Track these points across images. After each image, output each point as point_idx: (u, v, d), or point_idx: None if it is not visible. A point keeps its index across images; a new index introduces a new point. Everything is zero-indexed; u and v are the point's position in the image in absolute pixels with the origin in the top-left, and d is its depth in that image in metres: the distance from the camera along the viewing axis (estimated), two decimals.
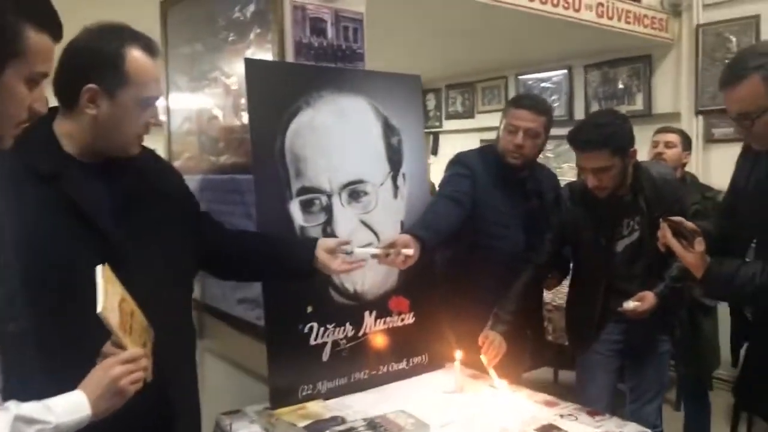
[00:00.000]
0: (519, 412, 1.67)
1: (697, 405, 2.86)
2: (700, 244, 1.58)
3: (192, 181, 2.30)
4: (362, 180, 1.88)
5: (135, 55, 1.25)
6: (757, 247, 1.69)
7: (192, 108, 2.39)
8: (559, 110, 5.03)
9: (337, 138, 1.84)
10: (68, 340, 1.15)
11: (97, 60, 1.22)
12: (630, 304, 2.11)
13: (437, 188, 2.34)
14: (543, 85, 5.15)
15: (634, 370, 2.36)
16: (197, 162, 2.34)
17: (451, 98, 6.13)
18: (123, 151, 1.30)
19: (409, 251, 1.67)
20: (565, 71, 4.94)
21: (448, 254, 2.30)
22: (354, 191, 1.86)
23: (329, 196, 1.81)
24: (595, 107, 4.69)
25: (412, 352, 1.99)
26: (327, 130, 1.82)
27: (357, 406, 1.69)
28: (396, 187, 1.98)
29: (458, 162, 2.26)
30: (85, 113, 1.23)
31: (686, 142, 2.95)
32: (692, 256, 1.60)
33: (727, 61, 3.80)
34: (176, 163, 2.51)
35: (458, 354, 1.87)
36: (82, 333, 1.11)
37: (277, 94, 1.73)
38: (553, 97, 5.07)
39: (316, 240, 1.62)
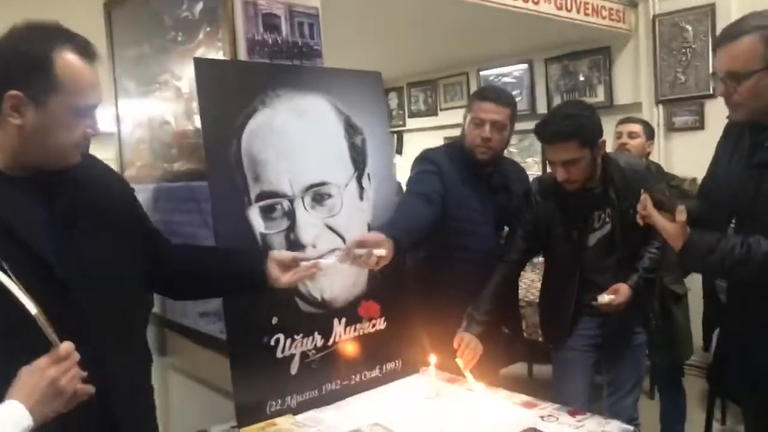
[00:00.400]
0: (499, 415, 1.61)
1: (673, 393, 2.86)
2: (681, 214, 1.55)
3: (146, 191, 2.20)
4: (326, 182, 1.80)
5: (67, 58, 1.12)
6: (736, 228, 1.67)
7: (143, 114, 2.28)
8: (521, 104, 5.01)
9: (298, 139, 1.75)
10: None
11: (23, 63, 1.09)
12: (605, 298, 2.08)
13: (404, 187, 2.27)
14: (504, 80, 5.13)
15: (610, 363, 2.33)
16: (150, 170, 2.23)
17: (413, 96, 6.08)
18: (58, 163, 1.17)
19: (382, 252, 1.58)
20: (526, 65, 4.94)
21: (420, 255, 2.24)
22: (318, 194, 1.78)
23: (291, 201, 1.72)
24: (557, 100, 4.70)
25: (385, 359, 1.91)
26: (286, 130, 1.73)
27: (330, 420, 1.61)
28: (361, 188, 1.90)
29: (425, 159, 2.20)
30: (9, 123, 1.11)
31: (649, 132, 2.96)
32: (673, 226, 1.57)
33: (684, 50, 3.93)
34: (128, 172, 2.40)
35: (432, 358, 1.80)
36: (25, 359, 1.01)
37: (230, 94, 1.64)
38: (515, 92, 5.03)
39: (266, 253, 1.50)
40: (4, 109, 1.10)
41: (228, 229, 1.62)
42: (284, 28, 1.77)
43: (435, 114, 5.90)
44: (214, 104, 1.61)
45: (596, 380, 2.36)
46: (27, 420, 0.95)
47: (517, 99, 5.03)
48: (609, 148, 3.14)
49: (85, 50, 1.15)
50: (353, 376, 1.83)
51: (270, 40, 1.74)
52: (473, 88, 5.42)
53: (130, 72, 2.32)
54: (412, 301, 1.99)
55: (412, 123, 6.21)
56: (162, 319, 2.24)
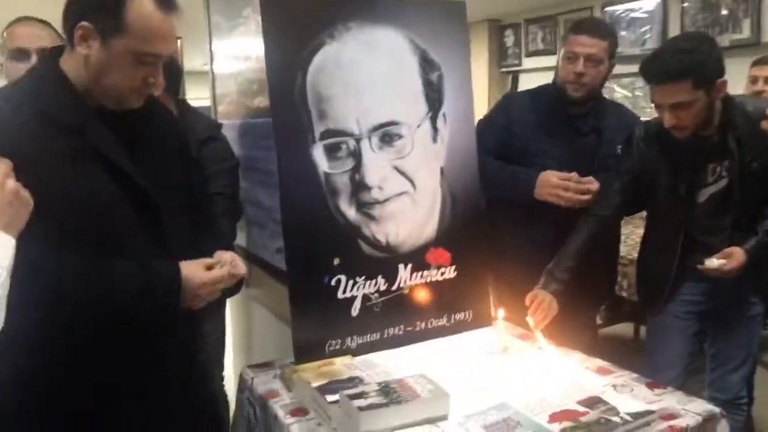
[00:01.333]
0: (566, 380, 1.49)
1: None
2: None
3: (232, 127, 2.24)
4: (396, 122, 1.71)
5: (142, 3, 1.13)
6: None
7: (230, 50, 2.30)
8: (651, 43, 4.53)
9: (367, 75, 1.67)
10: None
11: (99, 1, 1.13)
12: (714, 262, 1.81)
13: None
14: (633, 15, 4.63)
15: (717, 334, 2.08)
16: (236, 106, 2.26)
17: (531, 34, 5.69)
18: (116, 103, 1.20)
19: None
20: None
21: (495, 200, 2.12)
22: (386, 134, 1.70)
23: (358, 140, 1.66)
24: None
25: (455, 308, 1.84)
26: (355, 66, 1.65)
27: (385, 365, 1.58)
28: (435, 129, 1.79)
29: (498, 107, 2.14)
30: (78, 51, 1.15)
31: None
32: None
33: None
34: (220, 108, 2.46)
35: (500, 312, 1.70)
36: None
37: (297, 27, 1.58)
38: (644, 29, 4.57)
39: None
40: (75, 37, 1.14)
41: (292, 167, 1.60)
42: None
43: (554, 53, 5.48)
44: (279, 36, 1.56)
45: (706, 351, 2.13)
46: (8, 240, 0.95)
47: (647, 37, 4.57)
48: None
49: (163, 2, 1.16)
50: (418, 323, 1.78)
51: None
52: None
53: (220, 8, 2.33)
54: (486, 251, 1.88)
55: (528, 62, 5.85)
56: (247, 252, 2.31)
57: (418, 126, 1.75)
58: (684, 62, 1.67)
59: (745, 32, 3.88)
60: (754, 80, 2.54)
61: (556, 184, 1.91)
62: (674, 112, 1.73)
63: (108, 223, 1.16)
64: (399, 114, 1.71)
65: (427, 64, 1.76)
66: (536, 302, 1.77)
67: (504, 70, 6.18)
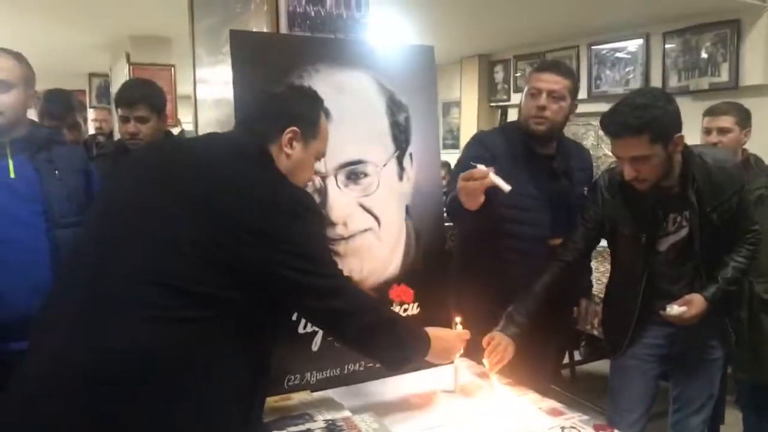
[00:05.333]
0: (515, 420, 1.51)
1: (756, 416, 2.55)
2: None
3: None
4: (362, 160, 1.76)
5: (323, 118, 1.43)
6: None
7: (211, 80, 2.36)
8: (634, 83, 4.65)
9: (335, 115, 1.69)
10: None
11: (305, 113, 1.37)
12: (675, 309, 1.84)
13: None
14: (617, 55, 4.75)
15: (679, 377, 2.09)
16: None
17: (519, 70, 5.80)
18: None
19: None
20: (641, 40, 4.52)
21: (465, 243, 2.15)
22: (352, 172, 1.74)
23: (323, 178, 1.70)
24: (673, 80, 4.27)
25: None
26: None
27: (338, 400, 1.59)
28: (402, 168, 1.84)
29: (478, 141, 2.09)
30: (284, 151, 1.34)
31: (744, 119, 2.49)
32: None
33: None
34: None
35: (457, 320, 1.72)
36: None
37: (265, 69, 1.63)
38: (627, 69, 4.68)
39: None
40: (284, 138, 1.33)
41: None
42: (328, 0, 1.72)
43: None
44: (248, 78, 1.61)
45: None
46: None
47: (630, 77, 4.67)
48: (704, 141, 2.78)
49: (327, 112, 1.47)
50: None
51: (312, 12, 1.71)
52: (583, 64, 5.09)
53: (202, 41, 2.40)
54: (449, 288, 1.91)
55: (517, 98, 5.93)
56: None
57: (385, 165, 1.80)
58: (641, 118, 1.70)
59: (724, 76, 3.98)
60: (707, 132, 2.51)
61: (461, 186, 1.80)
62: (634, 165, 1.77)
63: None
64: (365, 153, 1.76)
65: (394, 105, 1.81)
66: (492, 344, 1.79)
67: (493, 104, 6.28)
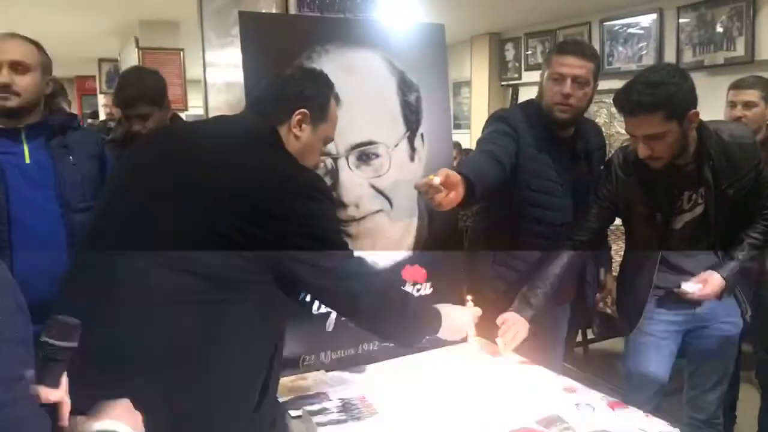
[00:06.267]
0: (529, 398, 1.52)
1: None
2: None
3: None
4: (373, 141, 1.75)
5: (332, 102, 1.42)
6: None
7: (221, 64, 2.35)
8: (647, 59, 4.58)
9: (345, 96, 1.68)
10: None
11: (315, 95, 1.37)
12: (690, 286, 1.83)
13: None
14: (630, 30, 4.67)
15: (694, 353, 2.09)
16: None
17: (530, 48, 5.73)
18: None
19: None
20: (655, 15, 4.43)
21: (483, 224, 2.13)
22: (363, 153, 1.74)
23: (335, 159, 1.70)
24: (688, 55, 4.20)
25: None
26: None
27: (351, 382, 1.61)
28: (413, 149, 1.83)
29: (500, 119, 1.99)
30: (293, 132, 1.34)
31: None
32: None
33: None
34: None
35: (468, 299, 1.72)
36: None
37: (275, 49, 1.62)
38: (640, 45, 4.61)
39: None
40: (293, 120, 1.34)
41: None
42: None
43: None
44: (257, 59, 1.60)
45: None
46: None
47: (643, 53, 4.60)
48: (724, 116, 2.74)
49: (337, 97, 1.45)
50: None
51: None
52: (595, 40, 5.00)
53: (212, 24, 2.39)
54: (461, 268, 1.91)
55: (528, 76, 5.89)
56: None
57: (396, 145, 1.79)
58: (655, 95, 1.67)
59: (740, 50, 3.90)
60: (732, 105, 2.48)
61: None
62: (648, 144, 1.74)
63: None
64: (376, 134, 1.75)
65: (405, 85, 1.80)
66: (506, 324, 1.78)
67: (504, 83, 6.22)
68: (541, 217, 2.01)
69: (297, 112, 1.32)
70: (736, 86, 2.48)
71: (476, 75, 6.34)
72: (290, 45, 1.64)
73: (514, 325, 1.78)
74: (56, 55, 1.91)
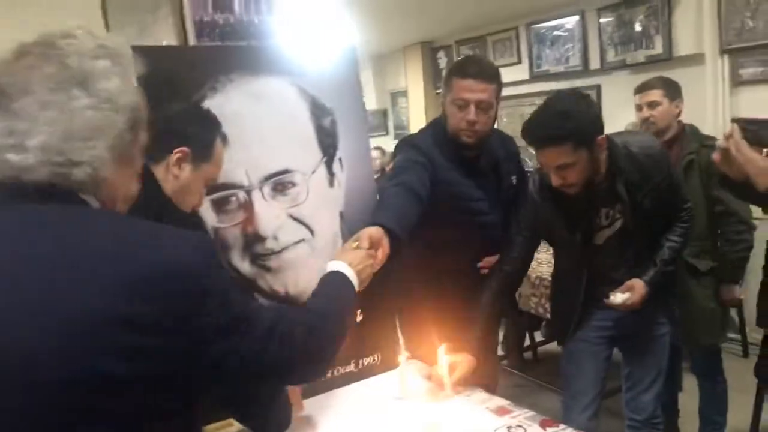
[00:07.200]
0: (463, 422, 1.49)
1: (709, 382, 2.59)
2: None
3: None
4: (288, 170, 1.69)
5: (219, 142, 1.40)
6: None
7: None
8: (573, 59, 4.66)
9: (254, 125, 1.64)
10: None
11: (197, 132, 1.33)
12: (618, 297, 1.85)
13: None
14: (556, 33, 4.75)
15: (628, 356, 2.12)
16: None
17: (462, 54, 5.77)
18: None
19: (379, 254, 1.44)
20: (578, 17, 4.53)
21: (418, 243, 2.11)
22: (279, 183, 1.68)
23: (248, 192, 1.63)
24: (610, 54, 4.30)
25: (362, 353, 1.82)
26: (240, 117, 1.62)
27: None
28: (332, 174, 1.78)
29: (412, 146, 1.95)
30: (171, 171, 1.29)
31: (672, 91, 2.52)
32: (764, 160, 1.44)
33: None
34: None
35: (402, 357, 1.69)
36: None
37: (175, 83, 1.55)
38: (566, 46, 4.69)
39: None
40: (170, 159, 1.28)
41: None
42: (236, 6, 1.64)
43: None
44: (156, 94, 1.52)
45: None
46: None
47: (569, 54, 4.69)
48: (632, 119, 2.82)
49: (225, 137, 1.44)
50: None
51: (221, 20, 1.63)
52: (523, 44, 5.08)
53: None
54: (392, 292, 1.87)
55: None
56: None
57: (313, 172, 1.74)
58: (562, 127, 1.67)
59: (658, 47, 4.02)
60: (639, 108, 2.54)
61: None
62: (559, 173, 1.74)
63: None
64: (291, 162, 1.70)
65: (318, 110, 1.75)
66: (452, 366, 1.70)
67: (439, 91, 6.24)
68: (470, 237, 2.01)
69: (176, 150, 1.27)
70: (639, 90, 2.58)
71: (411, 84, 6.36)
72: (192, 77, 1.57)
73: (460, 364, 1.72)
74: None
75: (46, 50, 0.76)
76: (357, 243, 1.40)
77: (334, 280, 1.26)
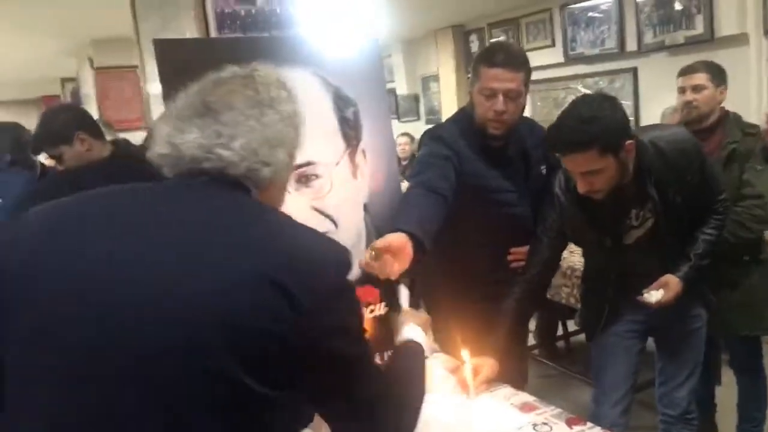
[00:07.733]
0: (485, 418, 1.47)
1: (749, 376, 2.50)
2: None
3: None
4: (311, 162, 1.68)
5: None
6: None
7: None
8: (609, 42, 4.53)
9: None
10: None
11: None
12: (652, 296, 1.78)
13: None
14: (591, 14, 4.62)
15: (661, 350, 2.05)
16: None
17: (494, 37, 5.67)
18: None
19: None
20: None
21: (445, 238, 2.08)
22: (302, 175, 1.67)
23: None
24: (648, 36, 4.16)
25: (388, 346, 1.81)
26: None
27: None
28: (355, 165, 1.76)
29: (438, 139, 1.89)
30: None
31: (719, 77, 2.40)
32: None
33: None
34: None
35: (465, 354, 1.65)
36: None
37: (196, 76, 1.54)
38: (602, 28, 4.57)
39: None
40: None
41: None
42: None
43: None
44: (177, 82, 1.52)
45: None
46: None
47: (605, 36, 4.55)
48: (670, 103, 2.70)
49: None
50: None
51: (243, 12, 1.61)
52: (557, 27, 4.96)
53: (148, 46, 2.31)
54: (418, 288, 1.85)
55: None
56: None
57: (337, 164, 1.73)
58: (587, 132, 1.59)
59: (699, 28, 3.87)
60: (682, 90, 2.44)
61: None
62: (586, 179, 1.67)
63: None
64: (314, 154, 1.68)
65: (341, 101, 1.73)
66: (475, 368, 1.66)
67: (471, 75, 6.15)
68: (503, 229, 1.95)
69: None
70: (683, 72, 2.47)
71: (443, 68, 6.28)
72: (210, 66, 1.55)
73: (483, 368, 1.67)
74: (20, 75, 1.85)
75: (245, 81, 0.99)
76: (374, 252, 1.37)
77: (420, 357, 1.23)
